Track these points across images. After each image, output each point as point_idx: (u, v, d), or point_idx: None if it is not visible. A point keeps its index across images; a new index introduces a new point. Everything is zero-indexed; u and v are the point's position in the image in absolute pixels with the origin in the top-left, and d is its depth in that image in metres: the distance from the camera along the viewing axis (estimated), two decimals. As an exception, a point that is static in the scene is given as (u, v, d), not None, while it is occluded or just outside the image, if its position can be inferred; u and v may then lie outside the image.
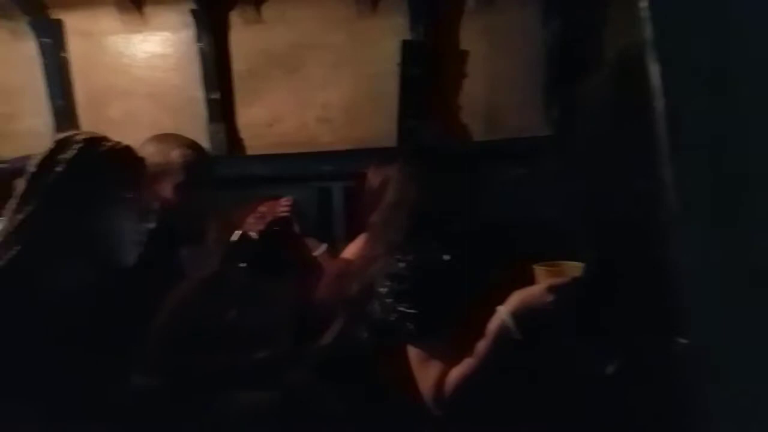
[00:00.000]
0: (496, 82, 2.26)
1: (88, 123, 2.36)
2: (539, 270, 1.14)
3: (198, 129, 2.26)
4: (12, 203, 1.09)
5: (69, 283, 1.07)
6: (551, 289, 1.07)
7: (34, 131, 2.28)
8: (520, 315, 1.08)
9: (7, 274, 0.99)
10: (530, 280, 1.10)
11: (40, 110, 2.32)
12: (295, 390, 1.35)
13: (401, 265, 1.23)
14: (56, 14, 2.28)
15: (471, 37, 2.27)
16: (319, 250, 2.02)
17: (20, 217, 1.05)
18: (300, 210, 2.03)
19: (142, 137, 1.84)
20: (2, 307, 0.97)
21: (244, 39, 2.33)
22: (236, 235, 1.04)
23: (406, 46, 2.26)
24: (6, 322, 0.97)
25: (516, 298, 1.11)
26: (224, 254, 1.06)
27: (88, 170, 1.09)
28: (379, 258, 1.33)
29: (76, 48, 2.32)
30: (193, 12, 2.25)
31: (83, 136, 1.14)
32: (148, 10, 2.31)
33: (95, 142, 1.13)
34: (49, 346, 0.96)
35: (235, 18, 2.33)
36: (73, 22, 2.30)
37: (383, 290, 1.24)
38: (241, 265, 1.03)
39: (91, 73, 2.36)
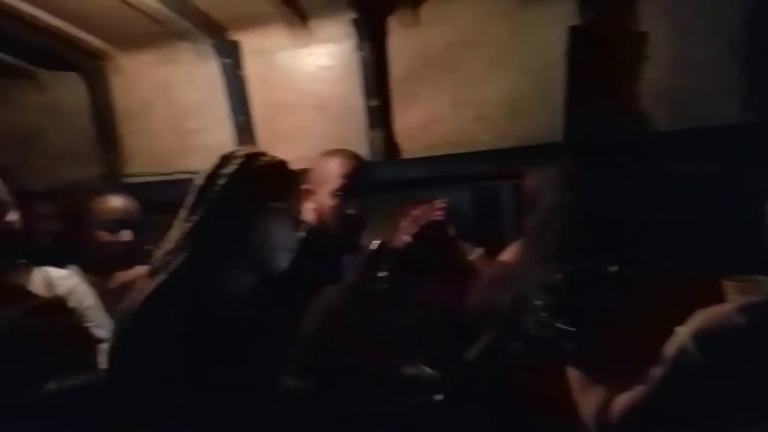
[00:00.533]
0: (681, 65, 2.00)
1: (264, 136, 2.58)
2: (730, 285, 0.98)
3: (359, 136, 2.33)
4: (182, 213, 1.20)
5: (230, 286, 1.15)
6: (745, 308, 0.89)
7: (219, 145, 2.53)
8: (704, 337, 0.93)
9: (176, 276, 1.10)
10: (714, 296, 0.93)
11: (224, 125, 2.57)
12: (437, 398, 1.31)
13: (558, 276, 1.12)
14: (234, 35, 2.51)
15: (650, 17, 2.04)
16: (475, 254, 1.95)
17: (188, 225, 1.15)
18: (455, 212, 1.98)
19: (309, 148, 1.96)
20: (173, 306, 1.06)
21: (402, 43, 2.35)
22: (375, 244, 1.04)
23: (574, 33, 2.09)
24: (177, 320, 1.06)
25: (701, 318, 0.95)
26: (364, 263, 1.07)
27: (245, 183, 1.18)
28: (535, 267, 1.23)
29: (251, 66, 2.53)
30: (354, 21, 2.33)
31: (243, 152, 1.24)
32: (314, 23, 2.44)
33: (253, 157, 1.22)
34: (214, 344, 1.04)
35: (393, 23, 2.36)
36: (249, 42, 2.51)
37: (538, 303, 1.14)
38: (381, 274, 1.02)
39: (265, 89, 2.56)
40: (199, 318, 1.06)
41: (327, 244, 1.69)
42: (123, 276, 1.93)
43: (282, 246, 1.23)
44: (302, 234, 1.40)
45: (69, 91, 2.78)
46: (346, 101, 2.41)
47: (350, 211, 1.74)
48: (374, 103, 2.33)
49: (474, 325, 1.36)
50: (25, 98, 2.85)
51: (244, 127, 2.54)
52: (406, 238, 1.91)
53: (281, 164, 1.27)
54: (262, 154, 1.27)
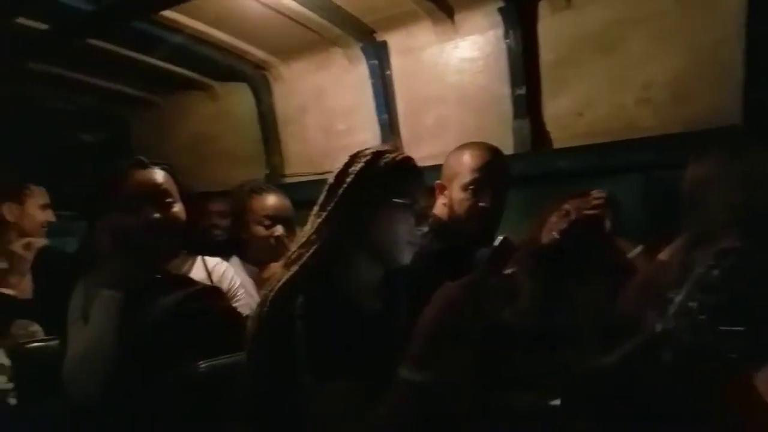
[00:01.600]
0: None
1: (408, 132, 2.63)
2: None
3: (502, 127, 2.27)
4: (315, 209, 1.28)
5: (356, 279, 1.20)
6: None
7: (365, 144, 2.63)
8: None
9: (306, 269, 1.16)
10: None
11: (369, 125, 2.67)
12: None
13: (715, 272, 0.98)
14: (382, 37, 2.59)
15: None
16: (635, 251, 1.79)
17: (319, 221, 1.22)
18: (613, 206, 1.84)
19: (452, 142, 1.96)
20: (302, 296, 1.12)
21: (552, 28, 2.25)
22: (498, 240, 1.00)
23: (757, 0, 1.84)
24: (305, 309, 1.12)
25: None
26: (487, 259, 1.03)
27: (370, 180, 1.22)
28: (694, 265, 1.09)
29: (397, 65, 2.59)
30: (501, 10, 2.27)
31: (371, 151, 1.28)
32: (459, 17, 2.43)
33: (379, 155, 1.25)
34: (338, 334, 1.08)
35: (542, 8, 2.26)
36: (395, 41, 2.58)
37: (693, 305, 1.01)
38: (508, 271, 0.97)
39: (409, 86, 2.61)
40: (325, 308, 1.11)
41: (457, 238, 1.67)
42: (275, 267, 2.11)
43: (405, 241, 1.25)
44: (426, 229, 1.40)
45: (238, 100, 3.09)
46: (490, 92, 2.36)
47: (482, 205, 1.69)
48: (521, 91, 2.25)
49: (622, 330, 1.25)
50: (201, 108, 3.22)
51: (389, 125, 2.61)
52: (554, 234, 1.81)
53: (406, 161, 1.29)
54: (389, 151, 1.30)
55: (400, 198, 1.22)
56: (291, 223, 2.16)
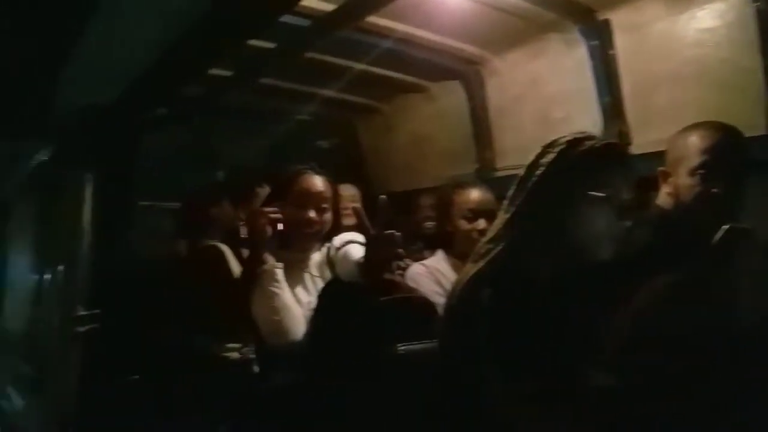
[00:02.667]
0: None
1: (635, 115, 2.42)
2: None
3: (750, 105, 1.96)
4: (504, 204, 1.25)
5: (547, 275, 1.14)
6: None
7: (585, 131, 2.50)
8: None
9: (493, 264, 1.15)
10: None
11: (589, 111, 2.52)
12: None
13: None
14: (603, 15, 2.43)
15: None
16: None
17: (507, 216, 1.20)
18: None
19: (688, 122, 1.77)
20: (490, 291, 1.11)
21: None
22: (723, 228, 0.85)
23: None
24: (492, 304, 1.10)
25: None
26: (710, 250, 0.89)
27: (563, 172, 1.15)
28: None
29: (622, 44, 2.41)
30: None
31: (566, 139, 1.21)
32: (697, -17, 2.17)
33: (576, 143, 1.18)
34: (526, 331, 1.05)
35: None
36: (618, 19, 2.40)
37: None
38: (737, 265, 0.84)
39: (636, 65, 2.40)
40: (513, 304, 1.08)
41: (683, 230, 1.49)
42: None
43: (604, 236, 1.15)
44: (629, 223, 1.27)
45: (452, 98, 3.17)
46: (735, 65, 2.06)
47: (714, 191, 1.48)
48: (775, 61, 1.92)
49: None
50: (419, 109, 3.38)
51: (612, 109, 2.43)
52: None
53: (606, 148, 1.19)
54: (587, 138, 1.21)
55: (598, 190, 1.13)
56: (495, 217, 2.17)
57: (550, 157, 1.18)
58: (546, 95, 2.73)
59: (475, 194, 2.26)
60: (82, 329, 1.43)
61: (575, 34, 2.51)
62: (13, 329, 2.51)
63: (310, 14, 2.15)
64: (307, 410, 1.50)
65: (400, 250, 1.58)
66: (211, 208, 2.63)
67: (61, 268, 1.57)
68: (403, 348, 1.33)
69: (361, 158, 3.82)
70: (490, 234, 1.23)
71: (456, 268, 2.24)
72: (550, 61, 2.66)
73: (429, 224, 2.92)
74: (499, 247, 1.16)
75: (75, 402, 1.42)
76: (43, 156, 2.16)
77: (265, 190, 2.68)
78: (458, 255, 2.22)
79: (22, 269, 2.69)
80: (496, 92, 2.97)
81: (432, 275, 2.17)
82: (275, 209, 1.84)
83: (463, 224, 2.23)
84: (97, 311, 1.47)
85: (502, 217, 1.21)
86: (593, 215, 1.14)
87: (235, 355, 2.49)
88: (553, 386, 0.94)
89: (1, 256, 3.28)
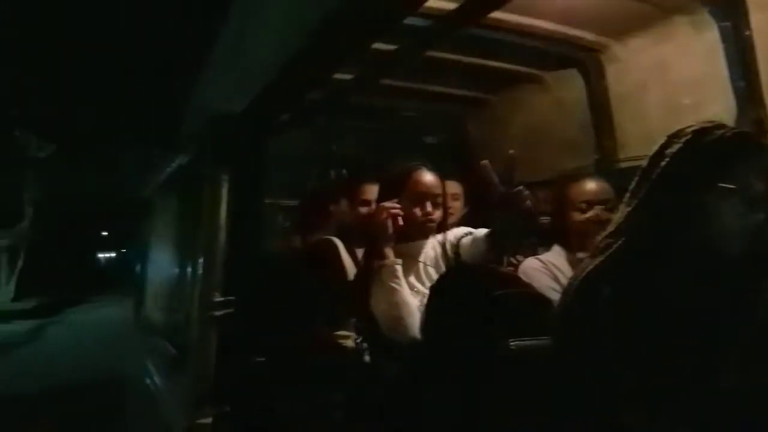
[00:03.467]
0: None
1: (774, 99, 2.24)
2: None
3: None
4: (626, 196, 1.21)
5: (672, 273, 1.09)
6: None
7: (715, 118, 2.34)
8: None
9: (612, 260, 1.11)
10: None
11: (721, 96, 2.36)
12: None
13: None
14: (736, -5, 2.27)
15: None
16: None
17: (629, 209, 1.15)
18: None
19: None
20: (608, 288, 1.09)
21: None
22: None
23: None
24: (612, 301, 1.08)
25: None
26: None
27: (689, 163, 1.10)
28: None
29: (757, 23, 2.24)
30: None
31: (693, 128, 1.15)
32: None
33: (703, 133, 1.12)
34: (651, 332, 1.02)
35: None
36: (754, -2, 2.23)
37: None
38: None
39: (774, 45, 2.22)
40: (636, 301, 1.05)
41: None
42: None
43: (733, 230, 1.07)
44: (762, 217, 1.18)
45: (569, 87, 3.09)
46: None
47: None
48: None
49: None
50: (532, 100, 3.33)
51: (747, 95, 2.26)
52: None
53: (738, 138, 1.11)
54: (717, 127, 1.14)
55: (728, 182, 1.06)
56: (611, 208, 2.11)
57: (675, 147, 1.13)
58: (673, 81, 2.60)
59: (589, 185, 2.21)
60: (218, 314, 1.60)
61: (704, 16, 2.37)
62: (158, 314, 2.82)
63: (431, 14, 2.19)
64: (417, 404, 1.55)
65: (531, 207, 1.62)
66: (329, 206, 2.77)
67: (200, 259, 1.75)
68: (515, 344, 1.35)
69: (469, 153, 3.81)
70: (610, 228, 1.20)
71: (572, 264, 2.20)
72: (677, 46, 2.53)
73: (544, 218, 2.89)
74: (620, 242, 1.13)
75: (211, 379, 1.59)
76: (181, 160, 2.40)
77: (374, 187, 2.82)
78: (574, 249, 2.18)
79: (163, 261, 3.01)
80: (617, 79, 2.87)
81: (548, 270, 2.14)
82: (395, 205, 1.92)
83: (578, 216, 2.18)
84: (231, 298, 1.63)
85: (623, 211, 1.18)
86: (723, 208, 1.08)
87: (349, 343, 2.63)
88: (679, 386, 0.92)
89: (145, 250, 3.69)
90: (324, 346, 2.50)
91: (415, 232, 2.06)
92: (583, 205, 2.18)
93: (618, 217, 1.18)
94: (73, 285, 19.32)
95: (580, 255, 2.15)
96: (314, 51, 1.39)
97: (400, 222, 1.96)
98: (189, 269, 1.84)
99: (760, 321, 0.93)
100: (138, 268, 3.81)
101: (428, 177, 2.07)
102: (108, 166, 16.92)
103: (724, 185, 1.06)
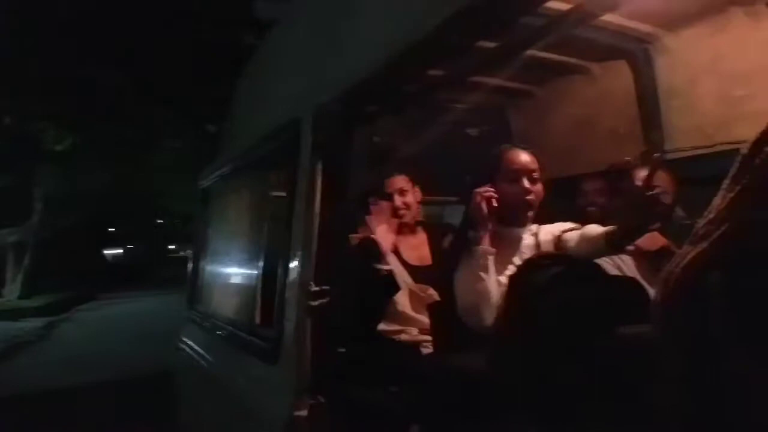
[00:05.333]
0: None
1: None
2: None
3: None
4: (726, 182, 1.26)
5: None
6: None
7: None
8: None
9: (717, 245, 1.15)
10: None
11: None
12: None
13: None
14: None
15: None
16: None
17: (731, 195, 1.20)
18: None
19: None
20: (716, 274, 1.14)
21: None
22: None
23: None
24: (725, 289, 1.13)
25: None
26: None
27: None
28: None
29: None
30: None
31: None
32: None
33: None
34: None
35: None
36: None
37: None
38: None
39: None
40: (751, 284, 1.10)
41: None
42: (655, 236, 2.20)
43: None
44: None
45: (616, 78, 3.14)
46: None
47: None
48: None
49: None
50: (578, 91, 3.36)
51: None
52: None
53: None
54: None
55: None
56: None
57: None
58: (726, 73, 2.63)
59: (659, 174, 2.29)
60: (315, 303, 1.65)
61: (761, 6, 2.42)
62: (227, 308, 2.93)
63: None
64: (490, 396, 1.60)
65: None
66: (379, 201, 2.88)
67: (295, 250, 1.80)
68: (612, 333, 1.40)
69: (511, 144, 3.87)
70: (710, 215, 1.26)
71: (630, 253, 2.28)
72: (733, 37, 2.57)
73: (592, 209, 2.97)
74: (723, 228, 1.18)
75: (308, 370, 1.64)
76: (259, 149, 2.48)
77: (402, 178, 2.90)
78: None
79: (233, 254, 3.12)
80: (667, 72, 2.89)
81: (612, 260, 2.22)
82: (489, 188, 2.00)
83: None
84: (327, 287, 1.69)
85: (725, 197, 1.22)
86: None
87: (404, 336, 2.73)
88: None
89: (203, 244, 3.79)
90: (382, 339, 2.60)
91: (516, 210, 2.11)
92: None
93: (717, 203, 1.23)
94: (84, 282, 19.48)
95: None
96: (410, 50, 1.43)
97: (495, 204, 2.01)
98: (279, 260, 1.90)
99: None
100: (192, 263, 3.89)
101: (521, 153, 2.14)
102: (129, 161, 16.96)
103: None
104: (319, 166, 1.73)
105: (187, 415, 3.34)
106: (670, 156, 2.93)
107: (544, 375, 1.47)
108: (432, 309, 2.37)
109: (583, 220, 2.95)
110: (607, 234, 1.89)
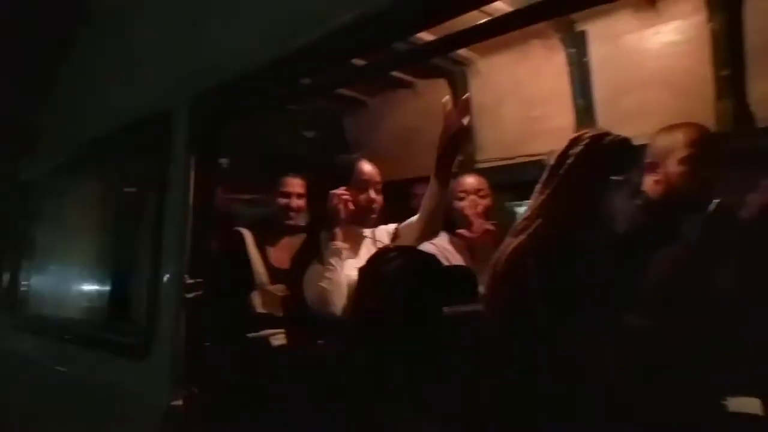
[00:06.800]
0: None
1: (606, 117, 2.80)
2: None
3: (704, 109, 2.40)
4: (538, 187, 1.58)
5: (578, 245, 1.48)
6: None
7: (560, 129, 2.90)
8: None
9: (533, 237, 1.47)
10: None
11: (565, 111, 2.92)
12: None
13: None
14: (581, 27, 2.83)
15: None
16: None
17: (542, 197, 1.52)
18: None
19: (653, 123, 2.16)
20: (532, 259, 1.45)
21: (759, 9, 2.32)
22: (715, 203, 1.22)
23: None
24: (537, 270, 1.44)
25: None
26: (703, 224, 1.26)
27: (590, 161, 1.48)
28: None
29: (596, 52, 2.81)
30: (706, -5, 2.40)
31: (590, 134, 1.53)
32: (661, 4, 2.60)
33: (598, 138, 1.50)
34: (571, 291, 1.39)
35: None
36: (594, 30, 2.80)
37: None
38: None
39: (608, 72, 2.80)
40: (559, 270, 1.41)
41: (672, 208, 1.87)
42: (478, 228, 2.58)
43: (622, 212, 1.50)
44: (641, 202, 1.65)
45: (437, 94, 3.50)
46: (691, 75, 2.49)
47: (704, 174, 1.85)
48: (725, 73, 2.37)
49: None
50: (405, 104, 3.70)
51: (585, 110, 2.83)
52: (754, 208, 1.93)
53: (623, 142, 1.52)
54: (607, 134, 1.54)
55: (618, 175, 1.48)
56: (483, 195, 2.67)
57: (578, 148, 1.49)
58: (526, 96, 3.09)
59: (466, 178, 2.71)
60: (190, 295, 1.65)
61: (556, 41, 2.91)
62: (78, 308, 2.69)
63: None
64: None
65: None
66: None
67: (172, 246, 1.75)
68: (449, 310, 1.64)
69: (345, 149, 4.09)
70: (526, 213, 1.56)
71: (455, 246, 2.61)
72: (532, 65, 3.03)
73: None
74: (537, 222, 1.49)
75: (183, 361, 1.64)
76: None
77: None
78: (456, 234, 2.59)
79: (86, 251, 2.86)
80: (478, 91, 3.27)
81: (441, 253, 2.50)
82: (344, 192, 2.17)
83: (457, 204, 2.63)
84: (201, 280, 1.69)
85: (537, 199, 1.53)
86: (614, 196, 1.49)
87: (259, 334, 2.77)
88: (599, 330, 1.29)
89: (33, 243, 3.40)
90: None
91: (360, 216, 2.30)
92: (461, 195, 2.62)
93: (532, 204, 1.54)
94: None
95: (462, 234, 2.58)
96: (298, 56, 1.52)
97: (351, 207, 2.21)
98: (149, 255, 1.82)
99: (651, 276, 1.34)
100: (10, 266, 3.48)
101: (370, 166, 2.37)
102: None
103: (615, 177, 1.47)
104: (193, 161, 1.73)
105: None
106: (482, 165, 3.34)
107: (394, 355, 1.66)
108: (284, 304, 2.49)
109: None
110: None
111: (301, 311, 2.11)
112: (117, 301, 2.22)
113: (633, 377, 1.28)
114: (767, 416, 1.33)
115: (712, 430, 1.30)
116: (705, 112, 2.41)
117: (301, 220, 2.98)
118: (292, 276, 2.24)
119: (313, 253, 2.17)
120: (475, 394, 1.54)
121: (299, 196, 2.95)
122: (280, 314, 2.62)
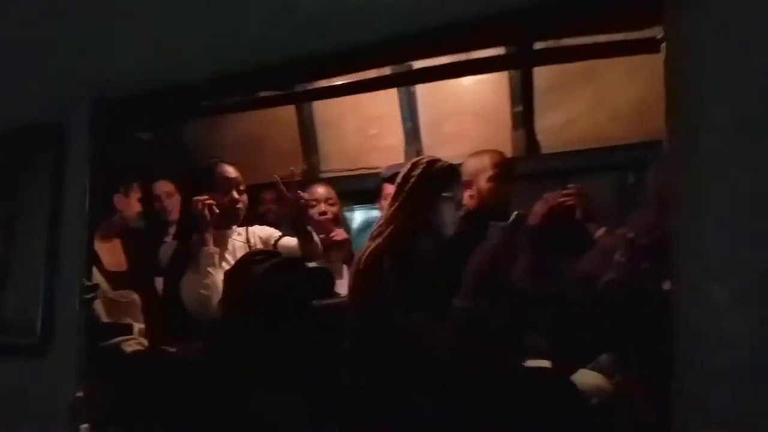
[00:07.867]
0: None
1: (429, 139, 3.31)
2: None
3: (504, 136, 2.99)
4: (390, 200, 1.95)
5: (420, 246, 1.88)
6: None
7: (392, 146, 3.34)
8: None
9: (387, 239, 1.83)
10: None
11: (396, 131, 3.36)
12: None
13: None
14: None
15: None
16: (599, 232, 2.46)
17: (392, 209, 1.89)
18: (585, 197, 2.42)
19: (467, 147, 2.64)
20: (389, 258, 1.80)
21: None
22: (514, 214, 1.69)
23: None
24: (392, 269, 1.80)
25: None
26: (507, 228, 1.72)
27: (427, 180, 1.88)
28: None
29: (422, 85, 3.28)
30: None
31: (426, 159, 1.95)
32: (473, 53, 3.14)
33: (432, 163, 1.92)
34: (419, 280, 1.77)
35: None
36: (420, 65, 3.27)
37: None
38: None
39: (431, 100, 3.30)
40: (407, 266, 1.78)
41: (484, 218, 2.36)
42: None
43: (449, 220, 1.93)
44: (462, 212, 2.12)
45: (284, 108, 3.73)
46: (495, 108, 3.07)
47: (505, 190, 2.37)
48: (519, 109, 2.98)
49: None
50: (252, 113, 3.85)
51: (413, 132, 3.31)
52: (537, 216, 2.48)
53: (450, 167, 1.96)
54: (438, 160, 1.97)
55: (446, 192, 1.91)
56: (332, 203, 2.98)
57: (418, 171, 1.89)
58: (365, 115, 3.48)
59: (317, 188, 2.99)
60: (88, 296, 1.68)
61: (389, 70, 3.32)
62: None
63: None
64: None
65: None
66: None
67: (71, 250, 1.73)
68: (316, 303, 1.91)
69: (184, 153, 4.10)
70: (381, 220, 1.92)
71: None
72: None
73: (269, 215, 3.46)
74: (390, 228, 1.85)
75: (82, 361, 1.67)
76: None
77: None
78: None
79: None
80: (321, 108, 3.61)
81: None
82: (207, 197, 2.23)
83: (310, 211, 2.87)
84: (96, 283, 1.73)
85: (389, 209, 1.90)
86: (443, 208, 1.90)
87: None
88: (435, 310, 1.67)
89: None
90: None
91: (226, 217, 2.34)
92: (313, 202, 2.90)
93: (386, 214, 1.90)
94: None
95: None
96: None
97: (216, 210, 2.24)
98: (45, 259, 1.77)
99: (470, 269, 1.75)
100: None
101: (230, 168, 2.41)
102: None
103: (445, 194, 1.88)
104: (89, 168, 1.73)
105: None
106: (326, 175, 3.64)
107: (266, 348, 1.88)
108: (145, 309, 2.54)
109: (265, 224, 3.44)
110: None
111: (169, 315, 2.22)
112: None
113: (459, 346, 1.68)
114: (555, 370, 1.83)
115: (516, 382, 1.74)
116: (505, 139, 2.99)
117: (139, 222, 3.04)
118: (168, 281, 2.29)
119: (187, 258, 2.25)
120: (335, 376, 1.84)
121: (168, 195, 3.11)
122: (128, 321, 2.61)
